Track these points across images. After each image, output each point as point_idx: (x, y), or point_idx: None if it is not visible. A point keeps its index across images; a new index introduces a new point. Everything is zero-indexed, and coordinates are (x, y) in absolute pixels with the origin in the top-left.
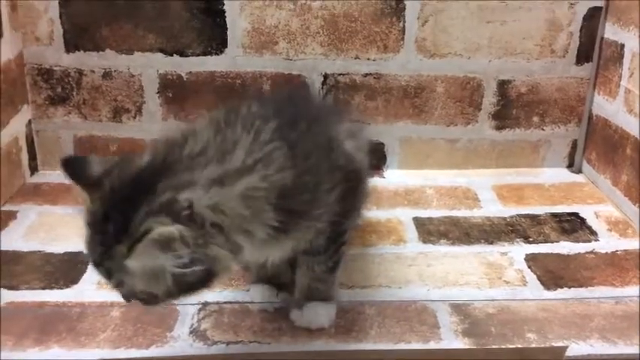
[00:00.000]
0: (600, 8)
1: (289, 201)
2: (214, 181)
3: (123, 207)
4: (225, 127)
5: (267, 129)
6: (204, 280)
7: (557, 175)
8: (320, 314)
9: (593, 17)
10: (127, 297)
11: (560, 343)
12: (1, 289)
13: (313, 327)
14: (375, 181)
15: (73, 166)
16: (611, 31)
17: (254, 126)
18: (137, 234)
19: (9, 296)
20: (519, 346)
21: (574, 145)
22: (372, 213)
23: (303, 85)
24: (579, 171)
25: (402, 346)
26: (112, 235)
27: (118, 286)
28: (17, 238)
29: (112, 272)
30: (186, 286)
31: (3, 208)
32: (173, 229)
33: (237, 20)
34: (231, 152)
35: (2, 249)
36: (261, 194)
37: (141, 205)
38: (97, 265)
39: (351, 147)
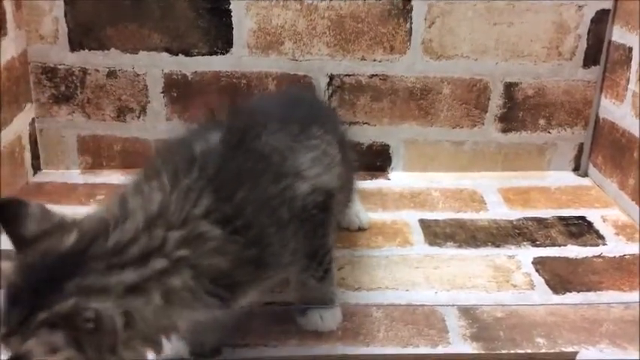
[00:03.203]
0: (608, 11)
1: (228, 279)
2: (130, 289)
3: (28, 297)
4: (157, 210)
5: (201, 205)
6: None
7: (563, 178)
8: (325, 318)
9: (600, 20)
10: None
11: (569, 348)
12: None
13: (321, 330)
14: (380, 183)
15: (9, 212)
16: (618, 34)
17: (186, 201)
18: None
19: None
20: (529, 351)
21: (580, 148)
22: (378, 215)
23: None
24: (585, 174)
25: (411, 350)
26: (13, 325)
27: None
28: None
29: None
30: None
31: None
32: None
33: (243, 20)
34: (156, 250)
35: (5, 249)
36: (187, 292)
37: (41, 306)
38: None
39: (315, 174)
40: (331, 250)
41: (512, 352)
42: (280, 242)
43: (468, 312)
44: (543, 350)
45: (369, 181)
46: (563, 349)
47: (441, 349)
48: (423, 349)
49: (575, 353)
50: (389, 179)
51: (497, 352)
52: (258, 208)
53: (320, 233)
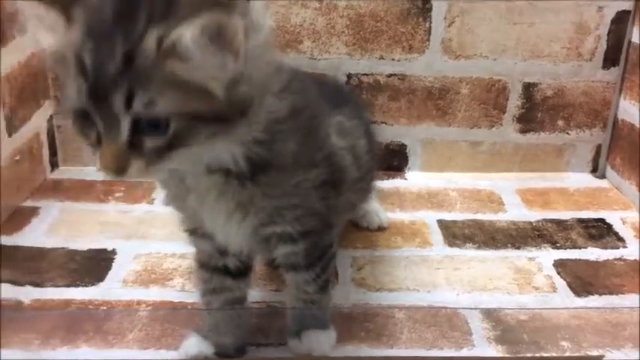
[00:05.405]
0: (629, 12)
1: (266, 145)
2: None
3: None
4: None
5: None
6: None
7: (581, 179)
8: (321, 340)
9: (621, 21)
10: (137, 142)
11: (595, 352)
12: (24, 285)
13: (315, 353)
14: (397, 183)
15: None
16: (639, 35)
17: None
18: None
19: (34, 294)
20: (554, 354)
21: (598, 149)
22: (396, 215)
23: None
24: (603, 176)
25: (435, 352)
26: (144, 20)
27: (146, 107)
28: (40, 235)
29: (135, 89)
30: (233, 107)
31: (24, 204)
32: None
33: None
34: None
35: (25, 245)
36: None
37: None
38: (109, 86)
39: (339, 142)
40: (334, 258)
41: (537, 355)
42: (301, 154)
43: (491, 314)
44: (568, 354)
45: (385, 181)
46: (589, 353)
47: (465, 352)
48: (448, 352)
49: (602, 357)
50: (406, 179)
51: (522, 355)
52: (305, 103)
53: (329, 200)
